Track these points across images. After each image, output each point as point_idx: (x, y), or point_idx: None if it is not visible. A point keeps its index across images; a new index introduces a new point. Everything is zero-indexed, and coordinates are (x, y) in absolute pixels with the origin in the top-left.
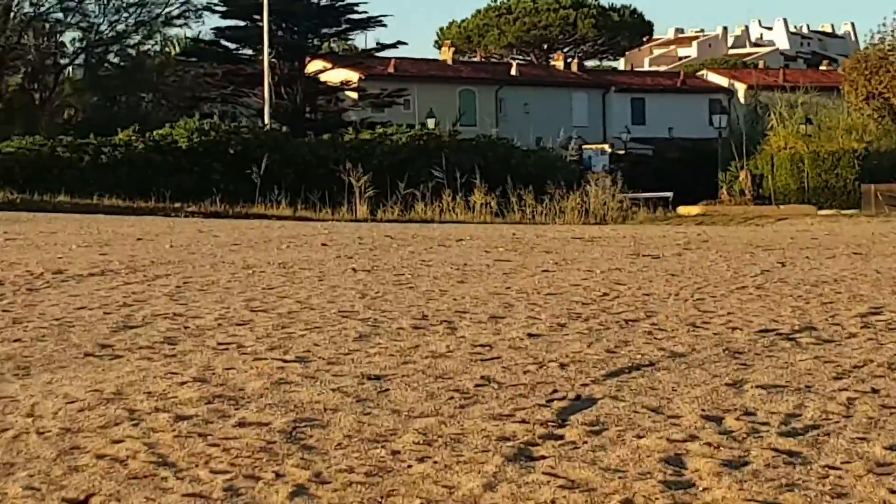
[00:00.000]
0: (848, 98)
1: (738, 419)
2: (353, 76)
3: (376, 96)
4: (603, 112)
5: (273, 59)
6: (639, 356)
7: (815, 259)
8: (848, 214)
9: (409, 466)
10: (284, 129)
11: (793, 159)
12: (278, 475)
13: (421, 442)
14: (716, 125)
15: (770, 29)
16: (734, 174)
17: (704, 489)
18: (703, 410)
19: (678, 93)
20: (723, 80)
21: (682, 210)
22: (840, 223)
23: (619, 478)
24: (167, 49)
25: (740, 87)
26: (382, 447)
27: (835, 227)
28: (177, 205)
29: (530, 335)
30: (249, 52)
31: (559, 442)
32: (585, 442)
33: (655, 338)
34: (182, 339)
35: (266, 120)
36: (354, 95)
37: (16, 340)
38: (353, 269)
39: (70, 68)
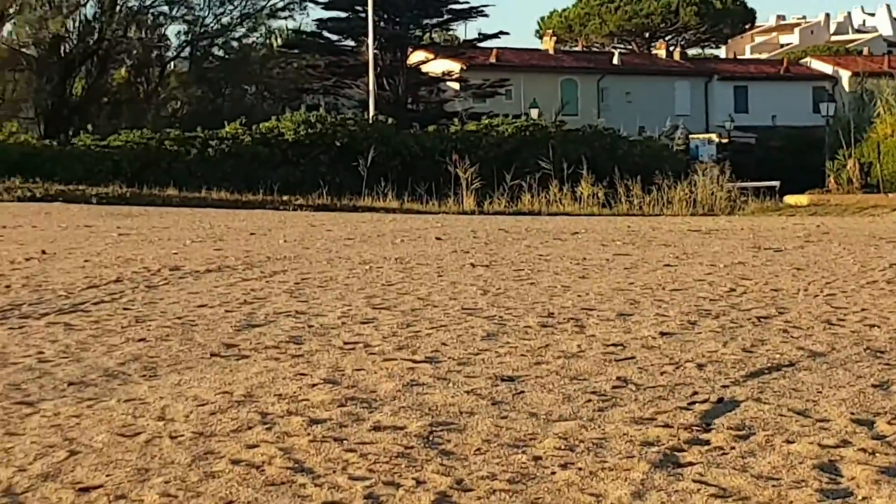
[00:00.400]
0: None
1: (890, 423)
2: (454, 66)
3: (478, 86)
4: (706, 100)
5: (375, 50)
6: (777, 356)
7: None
8: None
9: (553, 473)
10: (390, 120)
11: None
12: (419, 482)
13: (562, 447)
14: (823, 113)
15: (873, 15)
16: (842, 163)
17: (864, 498)
18: (852, 414)
19: (781, 80)
20: (826, 68)
21: (790, 200)
22: None
23: (773, 486)
24: (270, 41)
25: (844, 74)
26: (523, 452)
27: None
28: (285, 198)
29: (662, 334)
30: (351, 43)
31: (706, 447)
32: (733, 447)
33: (792, 336)
34: (307, 338)
35: (370, 111)
36: (456, 86)
37: (140, 340)
38: (472, 265)
39: (174, 61)
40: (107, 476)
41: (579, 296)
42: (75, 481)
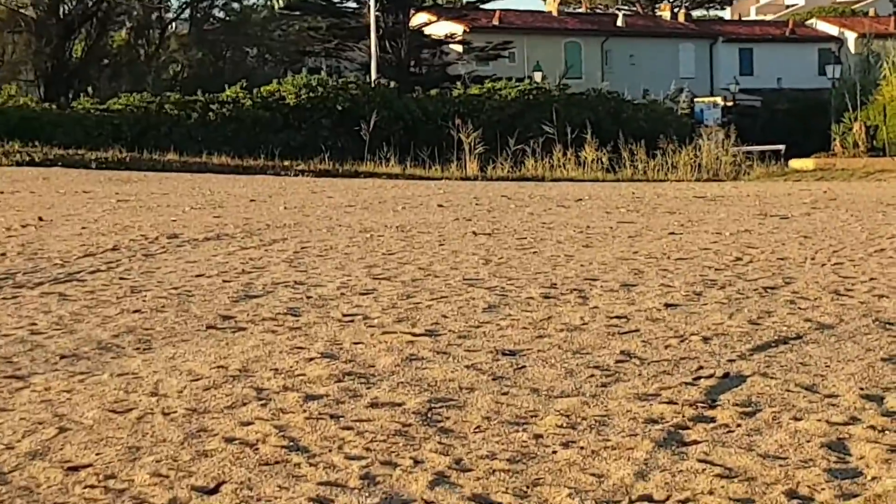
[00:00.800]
0: None
1: None
2: (457, 29)
3: (481, 49)
4: (710, 63)
5: (377, 12)
6: (784, 328)
7: None
8: None
9: (554, 452)
10: (392, 84)
11: None
12: (416, 461)
13: (564, 425)
14: (829, 75)
15: None
16: (848, 126)
17: (873, 478)
18: (861, 389)
19: (787, 42)
20: (832, 29)
21: (795, 164)
22: None
23: (780, 465)
24: (271, 3)
25: (850, 36)
26: (524, 430)
27: None
28: (286, 163)
29: (667, 305)
30: (353, 5)
31: (711, 425)
32: (739, 425)
33: (799, 307)
34: (305, 309)
35: (372, 74)
36: (459, 48)
37: (135, 311)
38: (474, 233)
39: (175, 23)
40: (97, 455)
41: (582, 265)
42: (64, 460)
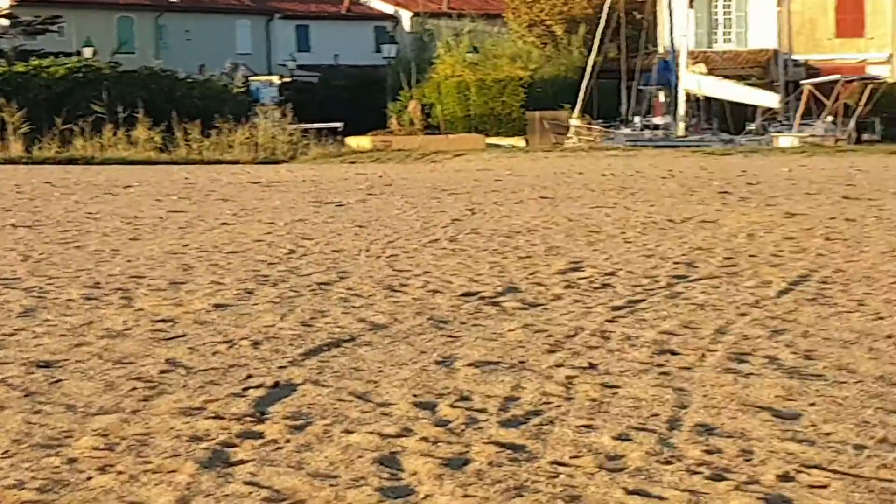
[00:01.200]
0: (511, 26)
1: (453, 406)
2: (2, 2)
3: (28, 24)
4: (267, 39)
5: None
6: (337, 329)
7: (503, 205)
8: (525, 149)
9: (89, 478)
10: None
11: (459, 87)
12: None
13: (101, 446)
14: (385, 55)
15: None
16: (403, 104)
17: (426, 496)
18: (414, 396)
19: (343, 20)
20: (388, 7)
21: (353, 143)
22: (518, 159)
23: (331, 485)
24: None
25: (405, 14)
26: (57, 454)
27: (515, 166)
28: None
29: (216, 306)
30: None
31: (259, 441)
32: (289, 440)
33: (353, 306)
34: None
35: None
36: (6, 23)
37: None
38: (13, 225)
39: None
40: None
41: (129, 261)
42: None
